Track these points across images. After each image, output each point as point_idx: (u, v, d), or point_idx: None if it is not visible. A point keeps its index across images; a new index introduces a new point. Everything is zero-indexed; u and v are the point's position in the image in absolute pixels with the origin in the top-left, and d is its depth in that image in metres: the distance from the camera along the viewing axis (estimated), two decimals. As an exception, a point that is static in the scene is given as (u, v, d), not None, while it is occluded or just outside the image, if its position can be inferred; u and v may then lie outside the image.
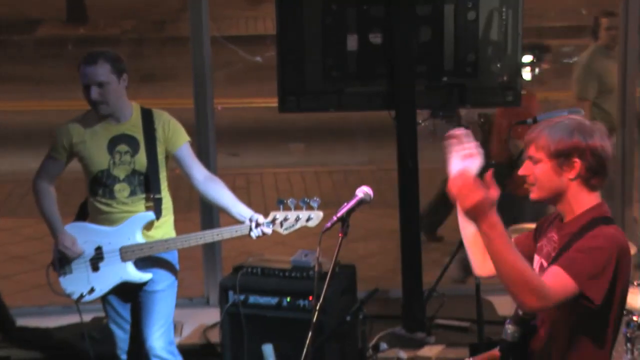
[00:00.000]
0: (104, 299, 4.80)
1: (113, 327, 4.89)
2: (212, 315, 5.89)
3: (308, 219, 4.49)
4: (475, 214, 2.96)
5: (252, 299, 5.18)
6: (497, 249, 2.97)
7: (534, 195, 3.28)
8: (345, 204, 3.49)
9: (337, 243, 3.41)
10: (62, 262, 4.65)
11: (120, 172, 4.62)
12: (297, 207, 4.49)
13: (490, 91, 5.30)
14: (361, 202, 3.53)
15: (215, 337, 5.68)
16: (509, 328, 3.35)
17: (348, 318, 4.89)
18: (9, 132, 10.32)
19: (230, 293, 5.20)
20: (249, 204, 4.67)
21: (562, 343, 3.28)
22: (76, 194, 5.11)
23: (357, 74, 5.31)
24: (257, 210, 4.59)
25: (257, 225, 4.49)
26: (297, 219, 4.49)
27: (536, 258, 3.41)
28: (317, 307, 3.33)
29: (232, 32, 13.39)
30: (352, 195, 3.55)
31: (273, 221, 4.50)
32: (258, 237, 4.51)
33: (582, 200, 3.24)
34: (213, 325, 5.87)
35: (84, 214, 4.80)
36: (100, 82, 4.50)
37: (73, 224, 4.74)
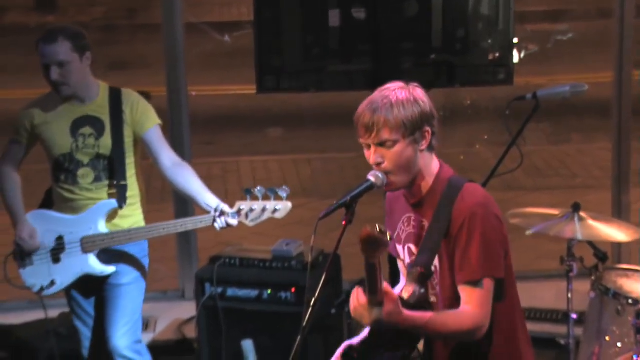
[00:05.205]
0: (67, 293, 4.60)
1: (78, 324, 4.69)
2: (187, 309, 5.74)
3: (274, 211, 4.24)
4: (388, 324, 2.99)
5: (231, 291, 5.01)
6: (429, 333, 3.08)
7: (395, 181, 3.11)
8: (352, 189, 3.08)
9: (340, 231, 3.11)
10: (23, 253, 4.46)
11: (83, 157, 4.40)
12: (265, 197, 4.24)
13: (481, 69, 5.07)
14: (371, 187, 3.08)
15: (191, 332, 5.51)
16: None
17: (333, 311, 4.73)
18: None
19: (207, 285, 5.03)
20: (226, 193, 4.45)
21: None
22: (45, 185, 4.88)
23: (340, 51, 5.08)
24: (235, 200, 4.33)
25: (222, 215, 4.23)
26: (264, 210, 4.25)
27: (400, 248, 3.27)
28: (312, 302, 3.11)
29: (205, 19, 13.25)
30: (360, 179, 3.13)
31: (238, 212, 4.25)
32: (222, 228, 4.27)
33: (432, 167, 3.19)
34: (189, 320, 5.73)
35: (49, 202, 4.58)
36: (61, 62, 4.28)
37: (35, 211, 4.53)
